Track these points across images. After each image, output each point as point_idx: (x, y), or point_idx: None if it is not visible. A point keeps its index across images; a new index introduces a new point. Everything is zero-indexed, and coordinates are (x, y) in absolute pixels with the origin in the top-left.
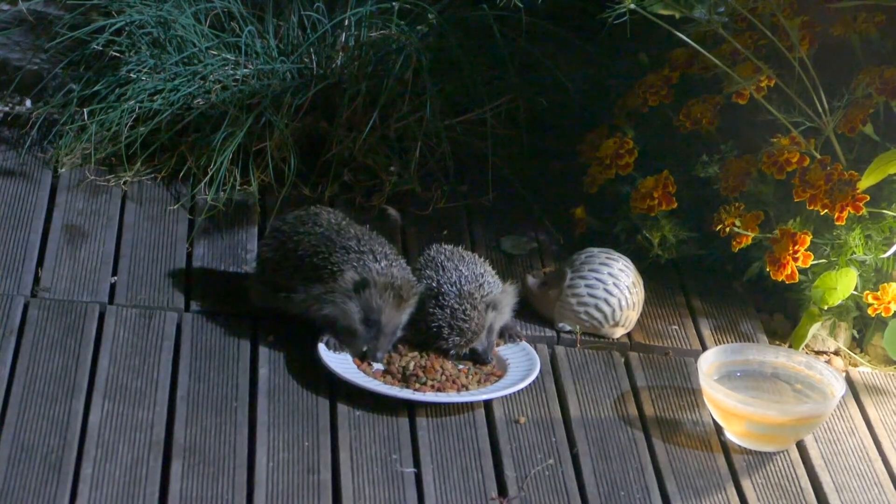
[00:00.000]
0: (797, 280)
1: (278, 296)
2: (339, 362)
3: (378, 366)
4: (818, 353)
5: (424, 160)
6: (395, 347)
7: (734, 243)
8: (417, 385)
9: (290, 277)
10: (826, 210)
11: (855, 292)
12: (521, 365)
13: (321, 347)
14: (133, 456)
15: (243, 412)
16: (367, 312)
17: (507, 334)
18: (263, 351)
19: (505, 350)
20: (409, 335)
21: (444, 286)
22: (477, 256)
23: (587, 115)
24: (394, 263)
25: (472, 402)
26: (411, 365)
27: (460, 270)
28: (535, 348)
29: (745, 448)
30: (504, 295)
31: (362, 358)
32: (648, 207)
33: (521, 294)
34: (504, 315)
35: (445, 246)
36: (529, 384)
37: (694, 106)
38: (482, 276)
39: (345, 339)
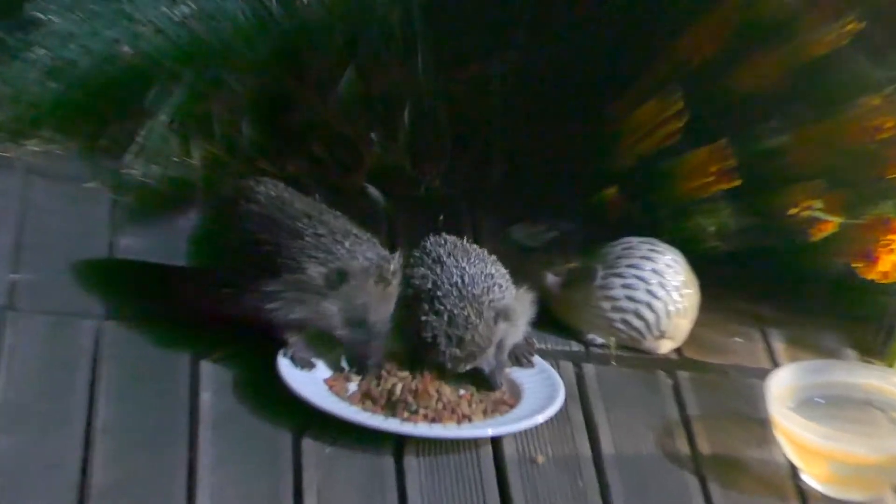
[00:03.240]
0: (894, 279)
1: (223, 295)
2: (307, 383)
3: (354, 387)
4: None
5: (415, 127)
6: (380, 365)
7: (813, 231)
8: (406, 414)
9: (232, 274)
10: None
11: None
12: (539, 391)
13: (282, 363)
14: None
15: (181, 448)
16: (351, 312)
17: (515, 355)
18: (207, 370)
19: (519, 372)
20: (395, 348)
21: (443, 286)
22: (486, 252)
23: (621, 68)
24: (360, 240)
25: (476, 438)
26: (399, 388)
27: (463, 268)
28: (558, 367)
29: (828, 495)
30: (519, 303)
31: (337, 374)
32: (702, 186)
33: (539, 299)
34: (518, 329)
35: (446, 237)
36: (550, 417)
37: (758, 59)
38: (492, 278)
39: (319, 349)
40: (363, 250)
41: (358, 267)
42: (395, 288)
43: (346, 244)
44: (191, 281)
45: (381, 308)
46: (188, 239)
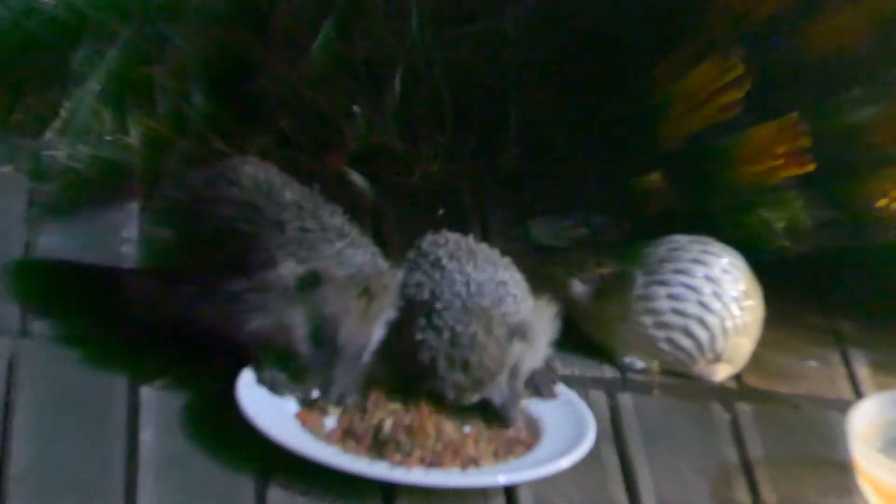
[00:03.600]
0: None
1: (175, 301)
2: (273, 417)
3: (332, 422)
4: None
5: (408, 98)
6: (363, 392)
7: None
8: (398, 456)
9: (193, 271)
10: None
11: None
12: (563, 428)
13: (243, 392)
14: None
15: (116, 498)
16: (317, 324)
17: (534, 383)
18: (148, 400)
19: (538, 405)
20: (383, 374)
21: (444, 297)
22: (497, 254)
23: (668, 23)
24: (358, 244)
25: (484, 487)
26: (388, 424)
27: (468, 274)
28: (587, 397)
29: None
30: (538, 318)
31: (311, 406)
32: (767, 171)
33: (563, 312)
34: (537, 350)
35: (447, 235)
36: (578, 460)
37: (837, 12)
38: (504, 286)
39: (284, 372)
40: (356, 256)
41: (339, 272)
42: (382, 307)
43: (338, 245)
44: (135, 280)
45: (358, 328)
46: (147, 220)
